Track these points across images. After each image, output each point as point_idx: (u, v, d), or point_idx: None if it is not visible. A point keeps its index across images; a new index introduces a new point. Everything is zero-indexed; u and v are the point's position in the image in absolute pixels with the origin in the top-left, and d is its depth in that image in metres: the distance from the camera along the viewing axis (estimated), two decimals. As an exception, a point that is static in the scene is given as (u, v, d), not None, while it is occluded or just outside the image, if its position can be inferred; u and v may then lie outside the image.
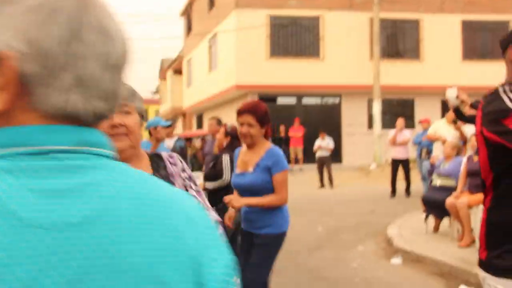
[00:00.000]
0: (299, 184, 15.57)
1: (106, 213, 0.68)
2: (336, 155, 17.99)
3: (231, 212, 3.83)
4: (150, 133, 6.19)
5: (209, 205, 2.05)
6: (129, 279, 0.67)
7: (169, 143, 7.83)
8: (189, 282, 0.71)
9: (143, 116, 1.90)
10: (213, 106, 23.48)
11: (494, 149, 1.90)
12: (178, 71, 32.14)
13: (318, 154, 14.61)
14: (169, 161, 1.96)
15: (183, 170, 1.97)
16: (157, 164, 1.93)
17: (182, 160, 2.02)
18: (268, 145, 3.61)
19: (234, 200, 3.51)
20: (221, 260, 0.76)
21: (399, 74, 19.15)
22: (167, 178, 1.90)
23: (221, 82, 20.94)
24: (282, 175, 3.49)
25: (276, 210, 3.55)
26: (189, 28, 28.66)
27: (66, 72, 0.68)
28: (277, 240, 3.58)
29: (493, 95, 1.94)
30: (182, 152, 8.15)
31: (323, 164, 14.60)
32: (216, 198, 4.74)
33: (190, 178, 1.97)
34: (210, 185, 4.96)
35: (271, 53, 19.39)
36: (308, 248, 7.27)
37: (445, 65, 19.25)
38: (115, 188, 0.70)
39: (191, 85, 27.46)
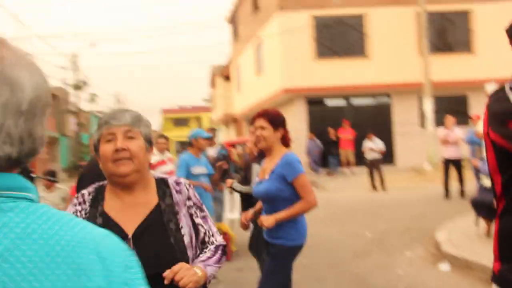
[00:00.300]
0: (351, 188, 15.33)
1: (17, 252, 0.74)
2: (388, 156, 17.60)
3: (249, 212, 3.82)
4: (191, 144, 6.27)
5: (215, 229, 2.04)
6: None
7: (212, 152, 7.91)
8: None
9: (150, 141, 1.92)
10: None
11: (501, 153, 1.73)
12: (228, 77, 32.46)
13: (368, 156, 14.33)
14: (175, 189, 1.96)
15: (189, 198, 1.97)
16: (163, 192, 1.94)
17: (189, 188, 2.02)
18: (284, 151, 3.56)
19: (265, 220, 3.46)
20: None
21: (450, 69, 18.49)
22: (172, 206, 1.91)
23: (268, 87, 20.96)
24: (299, 180, 3.43)
25: (290, 222, 3.48)
26: (235, 34, 28.90)
27: None
28: (288, 253, 3.52)
29: (500, 93, 1.76)
30: (225, 160, 8.21)
31: (373, 166, 14.31)
32: (249, 203, 4.77)
33: (195, 206, 1.98)
34: (238, 186, 4.96)
35: (317, 55, 19.22)
36: (354, 254, 7.11)
37: (500, 57, 18.38)
38: (28, 230, 0.76)
39: (241, 90, 27.66)
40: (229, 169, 8.06)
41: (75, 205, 1.91)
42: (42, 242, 0.76)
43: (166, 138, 7.54)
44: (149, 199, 1.90)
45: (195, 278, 1.74)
